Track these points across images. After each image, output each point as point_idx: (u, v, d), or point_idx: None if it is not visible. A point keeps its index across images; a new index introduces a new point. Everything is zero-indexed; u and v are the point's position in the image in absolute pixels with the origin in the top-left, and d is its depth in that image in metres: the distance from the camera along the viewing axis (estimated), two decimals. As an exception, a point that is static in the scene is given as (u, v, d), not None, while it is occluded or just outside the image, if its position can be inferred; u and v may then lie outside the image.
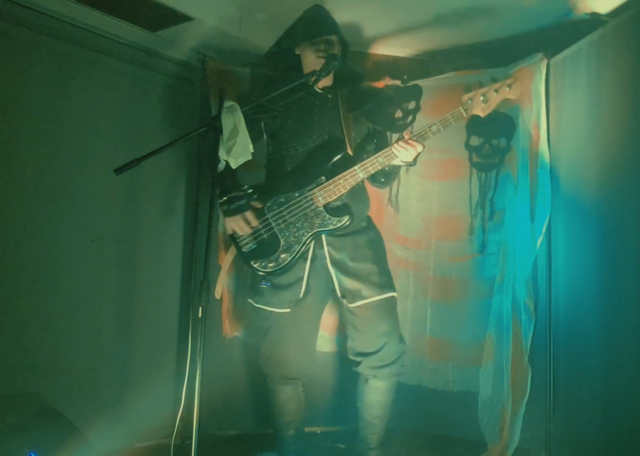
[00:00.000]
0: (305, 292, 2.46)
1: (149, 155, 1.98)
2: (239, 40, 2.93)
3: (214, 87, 2.94)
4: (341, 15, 2.84)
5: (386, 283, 2.49)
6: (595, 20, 2.51)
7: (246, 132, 2.48)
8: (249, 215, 2.38)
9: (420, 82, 3.10)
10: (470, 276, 3.00)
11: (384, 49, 3.21)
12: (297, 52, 2.53)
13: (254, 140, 2.43)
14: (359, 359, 2.50)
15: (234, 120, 2.43)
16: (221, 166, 2.75)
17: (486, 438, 2.76)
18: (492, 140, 2.95)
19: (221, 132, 2.17)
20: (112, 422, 2.63)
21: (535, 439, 2.65)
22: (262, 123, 2.53)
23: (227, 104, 2.38)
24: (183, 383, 2.04)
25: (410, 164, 2.38)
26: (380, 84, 3.11)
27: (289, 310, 2.46)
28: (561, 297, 2.68)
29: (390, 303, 2.50)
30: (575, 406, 2.58)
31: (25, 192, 2.47)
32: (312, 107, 2.50)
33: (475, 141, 2.98)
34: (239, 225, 2.39)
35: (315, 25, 2.45)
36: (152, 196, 2.96)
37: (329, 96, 2.52)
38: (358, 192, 2.49)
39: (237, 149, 2.48)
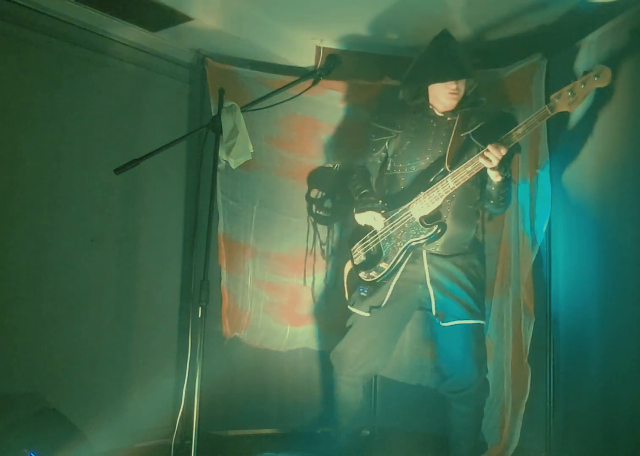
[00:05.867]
0: (389, 301, 2.53)
1: (149, 155, 1.99)
2: (239, 40, 2.93)
3: (214, 87, 2.94)
4: (342, 14, 2.86)
5: (479, 311, 2.50)
6: (595, 20, 2.51)
7: (246, 132, 2.48)
8: (377, 215, 2.53)
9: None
10: (470, 276, 2.99)
11: (384, 49, 3.21)
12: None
13: (380, 158, 2.67)
14: (441, 384, 2.58)
15: (233, 120, 2.43)
16: (221, 166, 2.76)
17: (486, 438, 2.76)
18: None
19: (221, 132, 2.17)
20: (112, 422, 2.63)
21: (535, 439, 2.65)
22: (387, 144, 2.64)
23: (227, 104, 2.38)
24: (183, 383, 2.04)
25: (502, 173, 2.34)
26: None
27: (368, 314, 2.55)
28: (561, 297, 2.68)
29: (480, 330, 2.52)
30: (575, 406, 2.58)
31: (25, 192, 2.48)
32: (430, 129, 2.55)
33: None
34: (367, 219, 2.56)
35: (448, 68, 2.43)
36: (152, 196, 2.96)
37: (448, 119, 2.53)
38: (464, 215, 2.52)
39: (237, 149, 2.49)
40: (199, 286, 1.94)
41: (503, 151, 2.25)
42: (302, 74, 2.56)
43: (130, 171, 1.92)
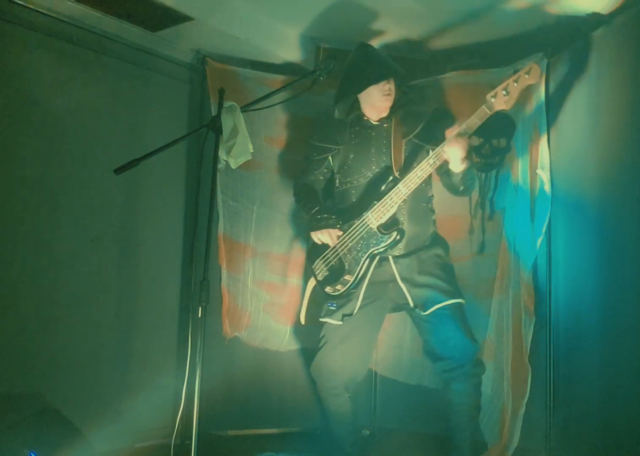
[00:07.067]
0: (361, 307, 2.55)
1: (149, 155, 1.99)
2: (239, 40, 2.93)
3: (214, 87, 2.94)
4: (342, 14, 2.86)
5: (453, 291, 2.54)
6: (595, 20, 2.51)
7: (246, 132, 2.49)
8: (333, 231, 2.57)
9: (420, 82, 3.10)
10: (470, 276, 2.99)
11: (383, 49, 3.20)
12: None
13: (323, 175, 2.73)
14: (434, 363, 2.57)
15: (233, 120, 2.44)
16: (221, 166, 2.77)
17: (486, 438, 2.76)
18: (492, 140, 2.95)
19: (221, 132, 2.17)
20: (112, 422, 2.63)
21: (535, 439, 2.65)
22: (330, 160, 2.69)
23: (227, 104, 2.39)
24: (183, 383, 2.04)
25: (470, 159, 2.39)
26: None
27: (341, 322, 2.57)
28: (561, 297, 2.68)
29: (459, 309, 2.54)
30: (575, 407, 2.58)
31: (25, 192, 2.48)
32: (369, 139, 2.60)
33: (475, 141, 2.98)
34: (324, 237, 2.57)
35: (377, 71, 2.51)
36: (152, 196, 2.96)
37: (385, 126, 2.59)
38: (418, 214, 2.56)
39: (237, 149, 2.49)
40: (199, 286, 1.94)
41: (464, 143, 2.29)
42: (302, 73, 2.56)
43: (130, 171, 1.92)
